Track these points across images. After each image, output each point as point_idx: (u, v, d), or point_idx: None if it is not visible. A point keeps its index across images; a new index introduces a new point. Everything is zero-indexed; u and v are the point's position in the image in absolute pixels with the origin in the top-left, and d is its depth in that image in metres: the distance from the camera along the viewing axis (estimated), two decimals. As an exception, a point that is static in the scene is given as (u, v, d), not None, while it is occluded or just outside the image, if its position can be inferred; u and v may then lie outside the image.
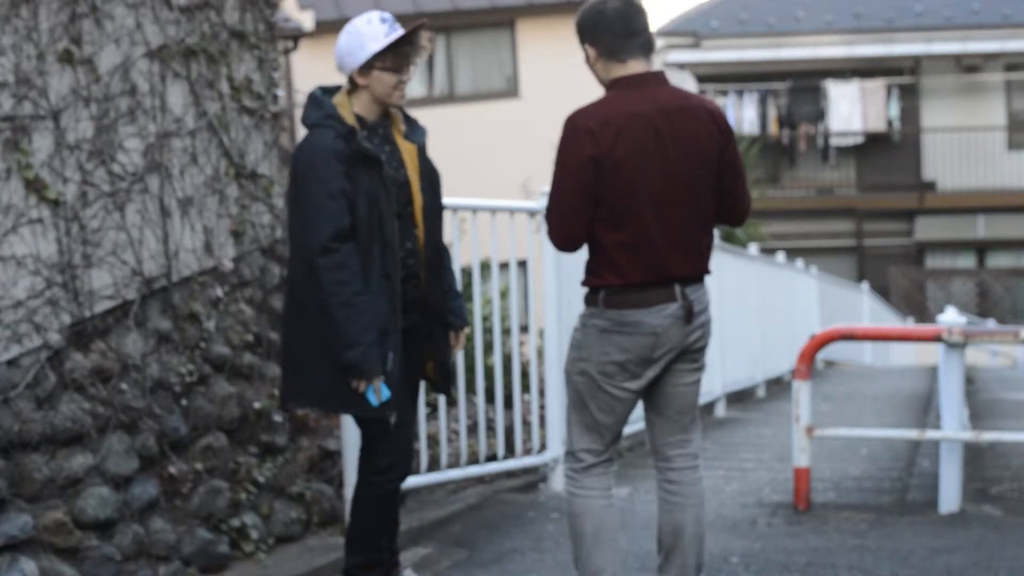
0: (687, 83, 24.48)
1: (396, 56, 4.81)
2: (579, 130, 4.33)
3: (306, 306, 4.73)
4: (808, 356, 7.06)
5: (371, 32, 4.78)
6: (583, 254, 4.54)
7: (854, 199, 27.77)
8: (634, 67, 4.45)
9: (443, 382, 5.13)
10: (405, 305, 4.87)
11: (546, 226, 4.51)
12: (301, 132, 4.97)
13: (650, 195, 4.34)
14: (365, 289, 4.68)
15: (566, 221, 4.39)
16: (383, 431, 4.85)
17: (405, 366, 4.90)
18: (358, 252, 4.69)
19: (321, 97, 4.85)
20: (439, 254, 5.02)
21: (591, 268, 4.45)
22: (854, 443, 9.32)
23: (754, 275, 13.61)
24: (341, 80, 4.95)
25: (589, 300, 4.46)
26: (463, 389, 6.90)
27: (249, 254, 6.24)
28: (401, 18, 4.99)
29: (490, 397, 8.13)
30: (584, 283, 4.49)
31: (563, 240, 4.44)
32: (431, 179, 5.00)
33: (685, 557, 4.52)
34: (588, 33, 4.48)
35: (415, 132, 5.01)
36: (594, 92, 4.77)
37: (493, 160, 18.85)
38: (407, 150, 4.95)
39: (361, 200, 4.70)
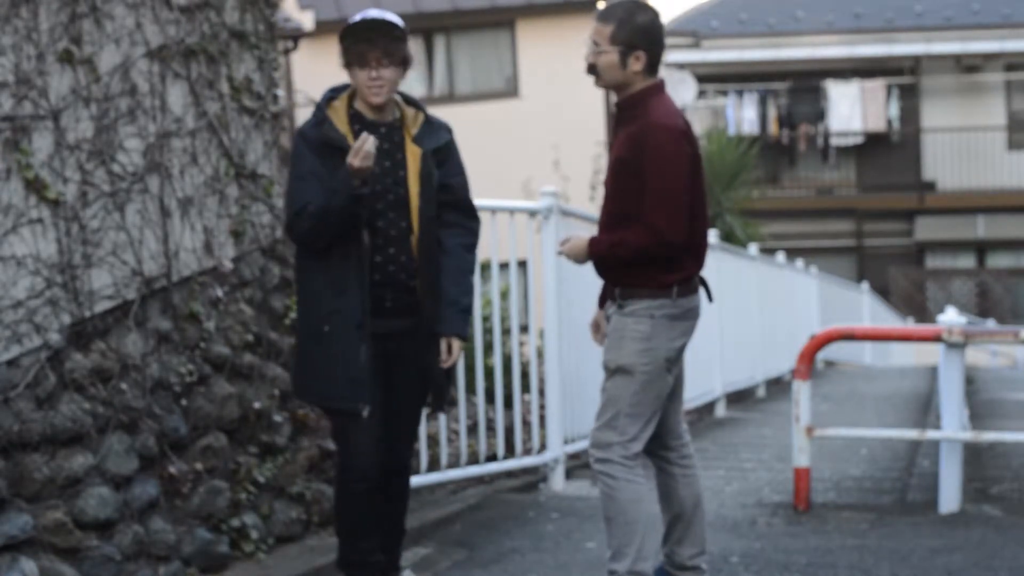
0: (687, 83, 24.46)
1: (347, 53, 4.82)
2: (678, 134, 4.59)
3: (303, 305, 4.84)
4: (808, 356, 7.06)
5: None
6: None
7: (854, 199, 27.77)
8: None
9: (434, 398, 5.02)
10: (388, 310, 4.84)
11: (653, 235, 4.56)
12: (302, 132, 4.98)
13: (700, 188, 4.73)
14: (333, 284, 4.78)
15: (683, 220, 4.58)
16: (345, 430, 4.85)
17: (382, 369, 4.87)
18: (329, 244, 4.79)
19: (324, 93, 4.95)
20: (434, 262, 4.92)
21: (665, 263, 4.60)
22: (854, 443, 9.32)
23: (754, 275, 13.61)
24: (343, 79, 4.98)
25: (654, 293, 4.63)
26: (463, 389, 6.90)
27: (249, 254, 6.23)
28: (401, 18, 4.99)
29: (490, 397, 8.13)
30: (653, 279, 4.61)
31: (681, 237, 4.59)
32: (431, 186, 4.91)
33: (703, 522, 4.92)
34: (651, 42, 4.65)
35: (427, 136, 4.94)
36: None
37: (493, 160, 18.82)
38: (412, 153, 4.90)
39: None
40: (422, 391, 5.04)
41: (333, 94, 4.93)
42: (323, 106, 4.88)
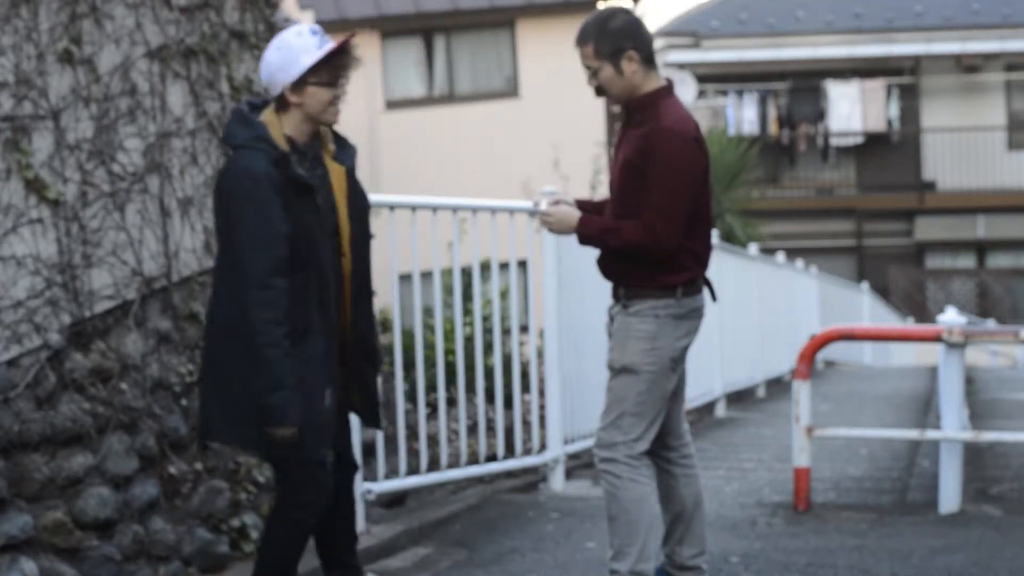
0: (688, 83, 24.47)
1: (331, 69, 4.47)
2: (689, 140, 4.56)
3: (244, 339, 4.39)
4: (808, 356, 7.06)
5: (303, 45, 4.44)
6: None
7: (854, 199, 27.77)
8: (659, 76, 4.71)
9: (372, 415, 4.82)
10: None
11: (649, 235, 4.54)
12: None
13: (708, 192, 4.71)
14: (295, 329, 4.39)
15: (680, 227, 4.56)
16: (306, 467, 4.51)
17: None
18: (292, 288, 4.39)
19: (248, 114, 4.48)
20: (366, 284, 4.74)
21: (669, 265, 4.61)
22: (854, 443, 9.32)
23: (754, 275, 13.61)
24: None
25: (658, 293, 4.63)
26: (463, 389, 6.90)
27: (249, 254, 6.23)
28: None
29: (490, 397, 8.13)
30: (657, 280, 4.61)
31: (675, 241, 4.58)
32: (360, 204, 4.69)
33: (703, 522, 4.94)
34: (633, 38, 4.60)
35: (345, 153, 4.68)
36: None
37: (493, 160, 18.84)
38: (336, 173, 4.61)
39: (295, 231, 4.39)
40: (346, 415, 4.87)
41: (256, 115, 4.50)
42: (271, 138, 4.41)
